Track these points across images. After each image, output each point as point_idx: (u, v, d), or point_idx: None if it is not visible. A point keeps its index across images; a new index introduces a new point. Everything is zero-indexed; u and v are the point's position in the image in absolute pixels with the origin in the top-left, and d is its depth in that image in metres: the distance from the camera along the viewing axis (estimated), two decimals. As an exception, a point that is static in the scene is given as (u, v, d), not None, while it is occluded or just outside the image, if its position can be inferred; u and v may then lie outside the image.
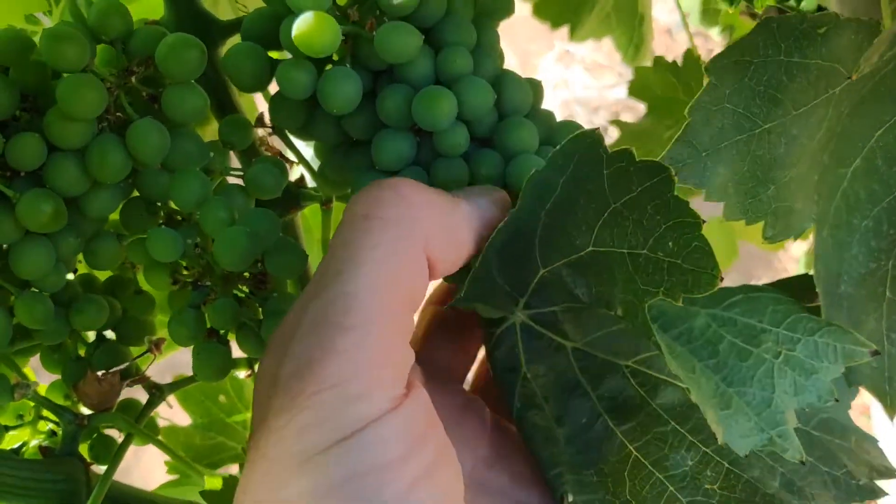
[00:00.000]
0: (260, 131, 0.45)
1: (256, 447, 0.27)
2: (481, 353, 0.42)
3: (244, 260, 0.36)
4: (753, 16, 0.74)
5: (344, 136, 0.39)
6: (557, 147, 0.33)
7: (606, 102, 2.53)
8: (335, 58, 0.38)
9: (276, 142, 0.47)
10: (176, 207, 0.42)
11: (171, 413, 0.61)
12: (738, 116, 0.36)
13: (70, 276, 0.46)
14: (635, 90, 0.65)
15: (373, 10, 0.37)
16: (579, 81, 2.60)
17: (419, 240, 0.29)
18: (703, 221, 0.31)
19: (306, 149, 0.48)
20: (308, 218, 0.65)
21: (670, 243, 0.32)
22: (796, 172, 0.36)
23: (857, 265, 0.39)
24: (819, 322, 0.36)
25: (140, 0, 0.43)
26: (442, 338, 0.41)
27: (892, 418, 0.40)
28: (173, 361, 0.61)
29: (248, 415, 0.72)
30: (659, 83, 0.63)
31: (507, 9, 0.40)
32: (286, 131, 0.43)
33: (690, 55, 0.60)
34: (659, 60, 0.61)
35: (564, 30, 0.82)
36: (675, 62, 0.61)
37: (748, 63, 0.35)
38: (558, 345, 0.39)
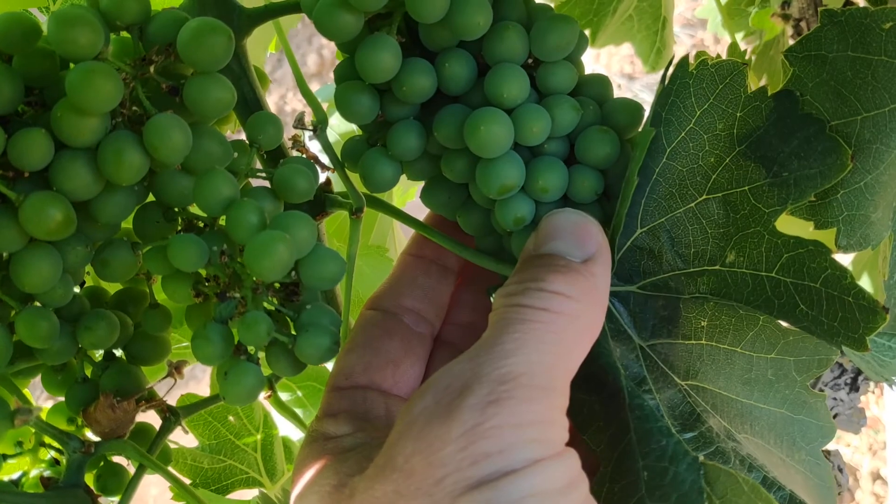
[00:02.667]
0: (295, 132, 0.41)
1: (407, 469, 0.29)
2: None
3: (282, 268, 0.32)
4: (786, 17, 0.71)
5: (431, 93, 0.37)
6: (692, 75, 0.35)
7: (605, 114, 2.50)
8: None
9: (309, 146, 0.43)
10: (196, 213, 0.38)
11: (177, 434, 0.57)
12: (813, 111, 0.35)
13: (76, 290, 0.42)
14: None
15: None
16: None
17: (588, 329, 0.33)
18: (828, 121, 0.34)
19: (321, 155, 0.44)
20: (326, 227, 0.61)
21: (795, 162, 0.33)
22: (873, 179, 0.34)
23: None
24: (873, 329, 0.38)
25: None
26: (414, 286, 0.42)
27: None
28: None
29: (259, 437, 0.68)
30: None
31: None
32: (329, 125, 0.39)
33: (735, 49, 0.57)
34: (701, 55, 0.58)
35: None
36: (718, 56, 0.57)
37: (824, 57, 0.35)
38: (629, 337, 0.38)
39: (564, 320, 0.32)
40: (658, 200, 0.36)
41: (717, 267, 0.35)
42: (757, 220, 0.34)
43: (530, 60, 0.37)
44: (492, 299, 0.40)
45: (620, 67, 2.47)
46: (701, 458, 0.33)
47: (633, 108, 0.38)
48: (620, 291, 0.37)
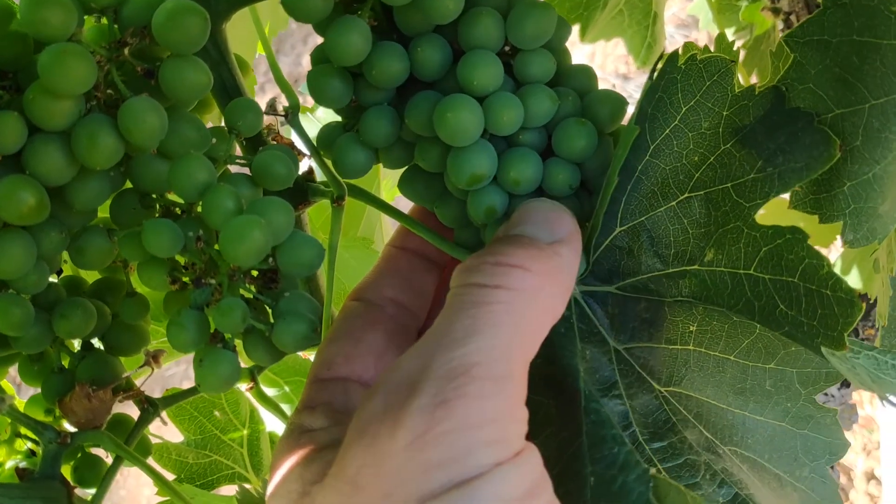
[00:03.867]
0: (268, 121, 0.40)
1: (358, 482, 0.27)
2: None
3: (257, 254, 0.31)
4: (776, 11, 0.70)
5: (402, 78, 0.36)
6: (680, 70, 0.34)
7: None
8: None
9: (283, 133, 0.42)
10: (173, 199, 0.37)
11: (162, 429, 0.56)
12: (816, 98, 0.33)
13: (53, 278, 0.41)
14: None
15: None
16: (572, 93, 2.57)
17: (548, 310, 0.31)
18: (818, 114, 0.33)
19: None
20: (312, 219, 0.60)
21: (780, 157, 0.32)
22: (881, 170, 0.33)
23: None
24: (872, 345, 0.38)
25: None
26: (398, 277, 0.41)
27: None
28: (163, 375, 0.56)
29: (245, 432, 0.67)
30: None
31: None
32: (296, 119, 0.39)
33: (723, 40, 0.56)
34: (690, 46, 0.57)
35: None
36: (706, 47, 0.57)
37: (827, 43, 0.33)
38: (603, 338, 0.37)
39: (522, 298, 0.30)
40: (639, 199, 0.35)
41: (695, 266, 0.34)
42: (737, 215, 0.33)
43: (507, 48, 0.36)
44: None
45: (615, 67, 2.47)
46: (652, 471, 0.32)
47: (615, 100, 0.37)
48: (598, 292, 0.36)
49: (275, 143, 0.42)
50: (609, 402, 0.37)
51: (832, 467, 0.72)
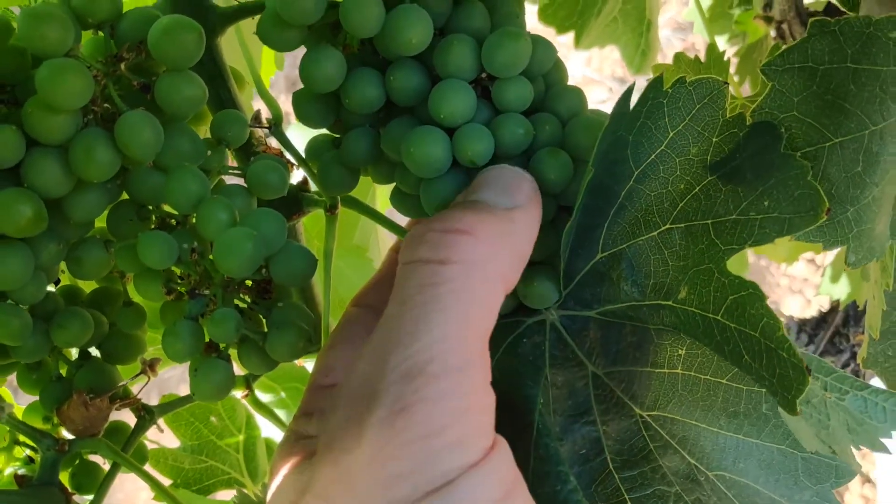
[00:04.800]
0: (256, 131, 0.41)
1: (328, 497, 0.26)
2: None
3: (249, 265, 0.32)
4: (768, 20, 0.71)
5: (379, 104, 0.36)
6: (666, 94, 0.33)
7: (597, 118, 2.51)
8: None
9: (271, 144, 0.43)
10: (169, 211, 0.38)
11: (158, 435, 0.57)
12: (807, 127, 0.33)
13: (51, 288, 0.42)
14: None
15: None
16: (569, 97, 2.57)
17: (499, 278, 0.29)
18: (810, 167, 0.31)
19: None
20: (308, 228, 0.61)
21: (766, 202, 0.31)
22: (879, 192, 0.34)
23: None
24: (865, 383, 0.36)
25: None
26: None
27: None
28: (160, 379, 0.57)
29: (241, 437, 0.68)
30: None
31: None
32: (286, 129, 0.39)
33: (714, 50, 0.57)
34: (680, 57, 0.58)
35: (556, 44, 0.79)
36: (697, 58, 0.57)
37: (814, 70, 0.32)
38: (581, 362, 0.36)
39: (470, 272, 0.28)
40: (622, 225, 0.34)
41: (669, 302, 0.33)
42: (711, 256, 0.32)
43: (484, 75, 0.36)
44: None
45: (612, 71, 2.47)
46: None
47: (598, 126, 0.35)
48: (578, 316, 0.36)
49: (264, 152, 0.43)
50: (581, 429, 0.36)
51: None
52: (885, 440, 0.37)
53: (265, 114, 0.39)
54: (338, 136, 0.39)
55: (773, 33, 0.72)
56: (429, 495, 0.25)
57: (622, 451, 0.36)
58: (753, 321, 0.31)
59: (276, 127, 0.39)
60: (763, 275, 2.18)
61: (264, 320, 0.37)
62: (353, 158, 0.38)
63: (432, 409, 0.26)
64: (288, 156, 0.41)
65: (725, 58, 0.58)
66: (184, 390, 0.46)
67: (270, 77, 0.68)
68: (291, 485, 0.30)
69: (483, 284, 0.29)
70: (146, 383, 0.40)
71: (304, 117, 0.38)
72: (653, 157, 0.33)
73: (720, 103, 0.32)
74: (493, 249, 0.29)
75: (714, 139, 0.32)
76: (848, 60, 0.32)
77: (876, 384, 0.38)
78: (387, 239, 0.77)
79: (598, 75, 2.59)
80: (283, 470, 0.32)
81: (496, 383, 0.30)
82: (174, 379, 2.25)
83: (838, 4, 0.37)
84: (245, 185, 0.39)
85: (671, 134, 0.33)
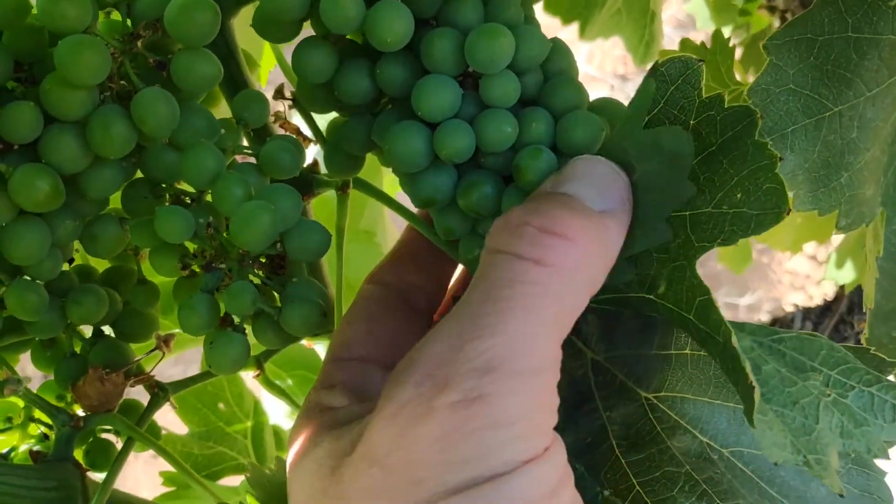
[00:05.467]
0: (275, 107, 0.41)
1: (387, 465, 0.28)
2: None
3: (266, 238, 0.32)
4: (772, 10, 0.72)
5: (371, 95, 0.36)
6: (646, 83, 0.31)
7: (598, 116, 2.52)
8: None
9: (291, 119, 0.43)
10: (184, 188, 0.38)
11: (167, 422, 0.57)
12: (805, 98, 0.33)
13: (65, 267, 0.42)
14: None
15: None
16: (571, 94, 2.58)
17: (588, 287, 0.30)
18: (780, 158, 0.29)
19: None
20: (317, 212, 0.61)
21: (739, 194, 0.30)
22: (870, 156, 0.34)
23: (894, 239, 0.38)
24: (878, 377, 0.33)
25: None
26: (417, 261, 0.41)
27: None
28: (165, 375, 0.57)
29: (249, 424, 0.69)
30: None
31: None
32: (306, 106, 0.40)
33: (719, 36, 0.58)
34: (686, 42, 0.58)
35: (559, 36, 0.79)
36: (703, 44, 0.58)
37: (812, 41, 0.33)
38: (579, 350, 0.36)
39: (561, 278, 0.28)
40: None
41: (651, 296, 0.33)
42: (685, 252, 0.31)
43: (471, 69, 0.34)
44: None
45: (614, 68, 2.48)
46: (606, 493, 0.31)
47: (590, 122, 0.34)
48: None
49: (282, 129, 0.43)
50: (583, 418, 0.36)
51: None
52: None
53: (289, 87, 0.40)
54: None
55: (777, 23, 0.72)
56: (487, 482, 0.27)
57: (628, 435, 0.36)
58: (715, 327, 0.30)
59: (298, 101, 0.40)
60: (765, 271, 2.19)
61: (278, 296, 0.37)
62: (352, 145, 0.38)
63: (507, 402, 0.27)
64: (306, 131, 0.42)
65: (731, 43, 0.58)
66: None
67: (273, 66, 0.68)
68: (328, 451, 0.31)
69: (572, 291, 0.29)
70: (160, 360, 0.40)
71: (308, 104, 0.38)
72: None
73: (695, 82, 0.31)
74: (588, 259, 0.29)
75: (691, 122, 0.31)
76: (849, 30, 0.32)
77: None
78: (393, 222, 0.77)
79: (599, 73, 2.59)
80: (313, 437, 0.33)
81: None
82: (177, 377, 2.25)
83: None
84: (257, 164, 0.39)
85: (646, 119, 0.31)
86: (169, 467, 0.62)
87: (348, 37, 0.37)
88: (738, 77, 0.60)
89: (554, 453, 0.29)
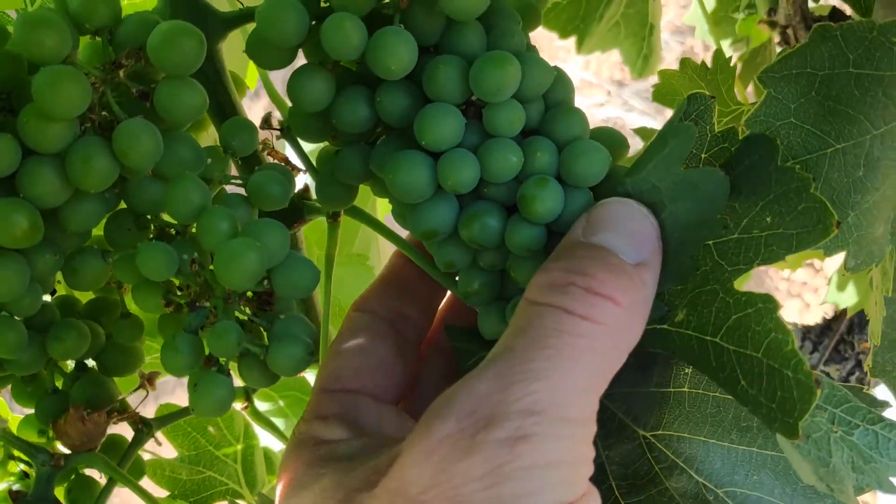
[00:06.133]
0: (264, 135, 0.40)
1: (423, 502, 0.27)
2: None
3: (251, 277, 0.31)
4: (773, 25, 0.71)
5: (370, 124, 0.35)
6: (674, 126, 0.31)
7: (594, 120, 2.51)
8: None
9: (279, 147, 0.42)
10: (168, 220, 0.37)
11: (154, 445, 0.56)
12: (806, 133, 0.32)
13: (47, 298, 0.41)
14: (660, 95, 0.61)
15: None
16: (567, 100, 2.58)
17: (629, 344, 0.31)
18: (812, 179, 0.29)
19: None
20: (308, 235, 0.60)
21: (769, 218, 0.30)
22: (880, 196, 0.33)
23: None
24: (880, 416, 0.34)
25: None
26: (405, 289, 0.40)
27: None
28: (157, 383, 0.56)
29: (239, 447, 0.67)
30: (686, 87, 0.59)
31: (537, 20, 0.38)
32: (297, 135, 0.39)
33: (720, 56, 0.57)
34: (686, 62, 0.57)
35: (555, 47, 0.78)
36: (703, 63, 0.57)
37: (813, 75, 0.32)
38: None
39: (607, 335, 0.29)
40: None
41: (665, 326, 0.32)
42: (716, 277, 0.31)
43: (475, 98, 0.34)
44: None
45: (610, 74, 2.47)
46: None
47: (595, 152, 0.33)
48: None
49: (270, 158, 0.42)
50: None
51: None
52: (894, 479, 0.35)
53: (276, 116, 0.38)
54: (338, 150, 0.38)
55: (777, 38, 0.71)
56: None
57: (626, 475, 0.36)
58: (756, 340, 0.29)
59: (287, 130, 0.38)
60: (762, 279, 2.18)
61: (265, 333, 0.36)
62: (347, 175, 0.37)
63: (553, 446, 0.28)
64: (295, 161, 0.41)
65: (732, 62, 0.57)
66: (180, 394, 0.45)
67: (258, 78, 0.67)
68: (332, 484, 0.30)
69: (615, 347, 0.30)
70: (145, 397, 0.39)
71: (300, 133, 0.37)
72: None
73: (708, 118, 0.31)
74: (632, 317, 0.30)
75: (703, 155, 0.31)
76: (850, 66, 0.32)
77: (881, 393, 0.37)
78: (387, 245, 0.76)
79: (595, 78, 2.59)
80: (305, 469, 0.32)
81: None
82: (171, 382, 2.24)
83: (851, 8, 0.37)
84: (245, 194, 0.38)
85: (664, 152, 0.32)
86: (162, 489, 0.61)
87: (343, 64, 0.36)
88: (737, 96, 0.59)
89: (590, 500, 0.29)
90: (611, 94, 2.55)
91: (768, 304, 0.29)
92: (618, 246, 0.31)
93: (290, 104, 0.37)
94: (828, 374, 0.66)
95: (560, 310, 0.29)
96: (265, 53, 0.35)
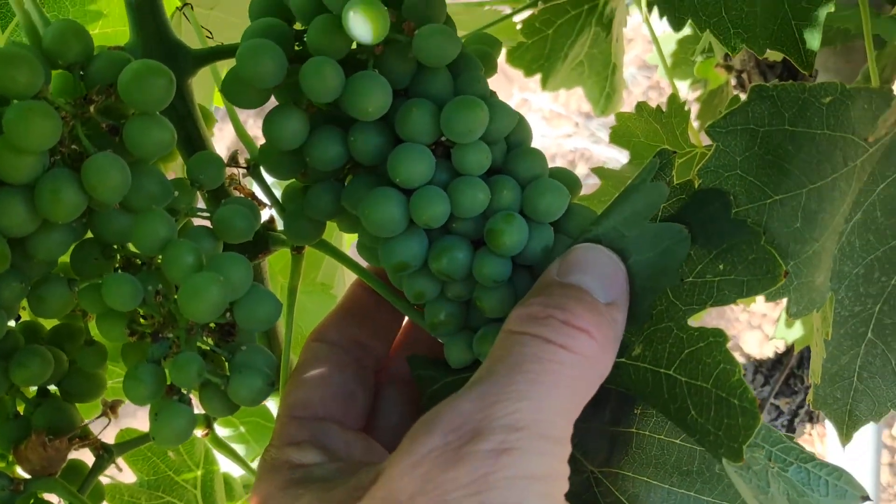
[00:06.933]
0: (230, 170, 0.41)
1: None
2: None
3: (214, 310, 0.32)
4: (728, 69, 0.73)
5: (342, 162, 0.37)
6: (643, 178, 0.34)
7: (562, 151, 2.55)
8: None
9: (246, 183, 0.43)
10: (134, 250, 0.38)
11: (114, 470, 0.56)
12: (749, 184, 0.35)
13: (11, 324, 0.42)
14: (617, 137, 0.63)
15: (411, 13, 0.35)
16: (537, 130, 2.61)
17: (602, 374, 0.33)
18: (762, 231, 0.32)
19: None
20: (272, 264, 0.61)
21: (721, 265, 0.32)
22: (819, 246, 0.35)
23: (841, 309, 0.40)
24: (812, 455, 0.37)
25: (104, 19, 0.40)
26: (364, 318, 0.42)
27: (843, 445, 0.43)
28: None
29: (199, 473, 0.67)
30: (642, 130, 0.62)
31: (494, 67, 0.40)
32: (262, 170, 0.40)
33: (675, 101, 0.59)
34: (642, 106, 0.59)
35: (525, 80, 0.81)
36: (659, 108, 0.59)
37: (754, 131, 0.34)
38: None
39: (582, 364, 0.32)
40: None
41: (622, 359, 0.34)
42: (671, 316, 0.33)
43: (444, 139, 0.36)
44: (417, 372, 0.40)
45: (578, 106, 2.51)
46: None
47: (555, 191, 0.36)
48: None
49: (237, 192, 0.43)
50: None
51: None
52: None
53: (243, 154, 0.40)
54: (304, 187, 0.40)
55: (733, 82, 0.74)
56: None
57: None
58: (706, 371, 0.32)
59: (254, 168, 0.40)
60: (723, 310, 2.21)
61: (226, 363, 0.37)
62: (317, 212, 0.38)
63: (535, 460, 0.29)
64: (261, 197, 0.42)
65: (687, 106, 0.60)
66: (143, 416, 0.46)
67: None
68: (317, 501, 0.32)
69: (589, 377, 0.32)
70: (107, 424, 0.40)
71: (271, 170, 0.38)
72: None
73: (667, 171, 0.34)
74: (604, 352, 0.33)
75: (663, 205, 0.34)
76: (786, 123, 0.34)
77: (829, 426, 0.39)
78: (351, 274, 0.77)
79: (564, 110, 2.63)
80: (280, 492, 0.33)
81: None
82: (132, 405, 2.21)
83: (794, 63, 0.39)
84: (212, 227, 0.39)
85: (634, 207, 0.34)
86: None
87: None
88: (691, 138, 0.61)
89: None
90: (578, 126, 2.59)
91: (718, 338, 0.32)
92: (591, 286, 0.33)
93: (255, 137, 0.38)
94: (778, 407, 0.69)
95: (540, 339, 0.32)
96: (241, 94, 0.37)
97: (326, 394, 0.39)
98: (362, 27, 0.32)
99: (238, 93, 0.36)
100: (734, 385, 0.31)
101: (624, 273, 0.34)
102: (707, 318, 2.26)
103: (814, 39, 0.37)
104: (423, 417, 0.31)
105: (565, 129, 2.58)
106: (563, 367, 0.31)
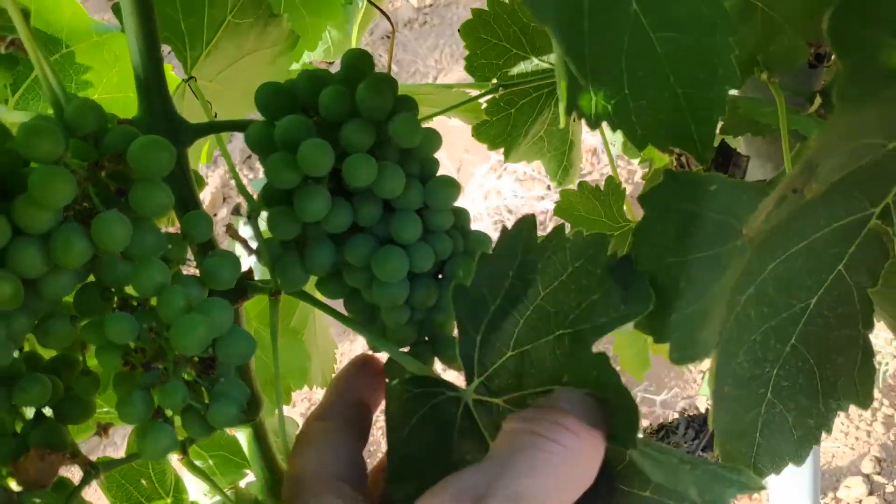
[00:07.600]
0: (230, 218, 0.48)
1: None
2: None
3: (200, 345, 0.39)
4: (671, 151, 0.81)
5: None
6: (568, 240, 0.42)
7: (535, 211, 2.64)
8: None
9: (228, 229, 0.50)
10: (130, 293, 0.44)
11: (90, 495, 0.61)
12: (659, 247, 0.42)
13: (15, 354, 0.47)
14: (561, 210, 0.71)
15: None
16: (510, 191, 2.71)
17: (587, 475, 0.38)
18: (647, 279, 0.41)
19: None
20: (248, 310, 0.67)
21: (623, 306, 0.40)
22: (700, 307, 0.42)
23: (741, 371, 0.46)
24: (720, 464, 0.43)
25: (103, 86, 0.47)
26: (349, 402, 0.49)
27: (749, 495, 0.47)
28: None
29: (169, 500, 0.72)
30: (583, 205, 0.69)
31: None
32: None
33: (612, 182, 0.66)
34: (583, 185, 0.67)
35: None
36: (597, 187, 0.66)
37: (668, 205, 0.42)
38: (482, 438, 0.43)
39: (572, 456, 0.37)
40: (528, 331, 0.42)
41: (556, 386, 0.41)
42: (585, 346, 0.41)
43: (422, 206, 0.48)
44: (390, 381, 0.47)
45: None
46: None
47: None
48: (487, 401, 0.43)
49: (231, 237, 0.50)
50: None
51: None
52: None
53: (244, 207, 0.47)
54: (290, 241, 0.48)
55: (675, 162, 0.81)
56: None
57: None
58: (606, 384, 0.39)
59: (251, 219, 0.47)
60: (682, 370, 2.28)
61: (206, 392, 0.43)
62: (318, 267, 0.48)
63: None
64: (252, 244, 0.48)
65: (625, 185, 0.67)
66: (110, 450, 0.51)
67: (216, 150, 0.76)
68: None
69: (577, 468, 0.38)
70: (100, 444, 0.45)
71: (277, 232, 0.48)
72: (556, 283, 0.42)
73: (603, 250, 0.41)
74: (588, 450, 0.38)
75: (598, 271, 0.41)
76: (687, 202, 0.41)
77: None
78: (325, 320, 0.83)
79: (537, 173, 2.73)
80: None
81: (416, 437, 0.39)
82: (120, 432, 2.23)
83: (695, 159, 0.46)
84: (199, 274, 0.45)
85: (570, 269, 0.41)
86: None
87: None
88: (627, 214, 0.68)
89: None
90: (550, 189, 2.68)
91: (604, 359, 0.40)
92: (577, 415, 0.39)
93: (243, 174, 0.47)
94: (706, 459, 0.74)
95: (535, 434, 0.37)
96: (285, 175, 0.46)
97: (336, 458, 0.46)
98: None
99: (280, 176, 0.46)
100: (618, 387, 0.39)
101: (600, 413, 0.40)
102: (667, 376, 2.33)
103: (709, 139, 0.44)
104: (432, 489, 0.37)
105: (538, 190, 2.67)
106: (556, 456, 0.37)
